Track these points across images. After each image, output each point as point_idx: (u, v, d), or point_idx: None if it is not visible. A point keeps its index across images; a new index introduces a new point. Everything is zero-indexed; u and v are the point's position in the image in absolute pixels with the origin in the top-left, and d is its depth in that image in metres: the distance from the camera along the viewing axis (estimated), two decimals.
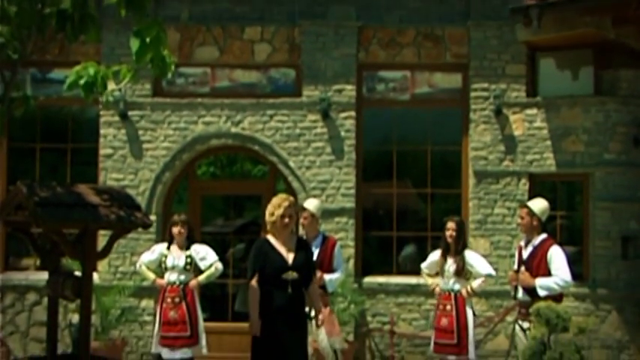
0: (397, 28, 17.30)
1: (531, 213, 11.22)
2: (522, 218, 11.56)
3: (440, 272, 13.03)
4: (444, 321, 12.77)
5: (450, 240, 12.81)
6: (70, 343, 14.65)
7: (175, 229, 13.32)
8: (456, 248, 12.71)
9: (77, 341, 12.46)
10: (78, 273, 8.68)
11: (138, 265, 14.09)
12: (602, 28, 16.65)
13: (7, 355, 15.66)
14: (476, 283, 12.57)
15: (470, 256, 12.73)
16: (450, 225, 12.92)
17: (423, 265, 13.66)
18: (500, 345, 16.06)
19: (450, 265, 12.74)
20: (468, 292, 12.60)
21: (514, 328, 12.02)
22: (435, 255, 13.31)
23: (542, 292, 10.85)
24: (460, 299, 12.55)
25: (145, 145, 16.77)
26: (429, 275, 13.45)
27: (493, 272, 12.62)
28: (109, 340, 15.75)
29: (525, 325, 11.29)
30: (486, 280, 12.56)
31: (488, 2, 17.03)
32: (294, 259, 9.97)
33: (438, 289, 13.04)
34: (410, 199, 18.06)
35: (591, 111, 17.01)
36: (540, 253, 11.26)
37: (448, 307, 12.75)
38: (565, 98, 17.16)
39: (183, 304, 12.92)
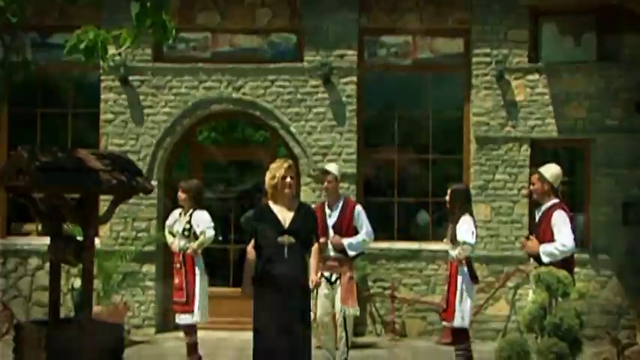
0: None
1: (542, 179, 11.07)
2: (533, 184, 11.41)
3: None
4: (444, 287, 12.93)
5: (447, 207, 12.78)
6: (73, 307, 14.70)
7: (178, 195, 13.39)
8: (452, 215, 12.56)
9: (79, 306, 12.51)
10: (79, 238, 8.72)
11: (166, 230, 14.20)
12: None
13: (10, 319, 15.90)
14: (455, 251, 12.37)
15: (459, 223, 12.38)
16: (448, 192, 12.82)
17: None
18: (500, 310, 16.10)
19: (449, 232, 12.61)
20: (457, 259, 12.42)
21: (515, 294, 12.07)
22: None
23: (545, 259, 10.78)
24: (453, 266, 12.43)
25: (145, 111, 16.77)
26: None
27: (469, 240, 12.14)
28: (110, 304, 15.78)
29: None
30: (464, 247, 12.19)
31: None
32: (292, 223, 9.68)
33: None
34: (411, 164, 17.95)
35: (594, 76, 17.06)
36: (546, 218, 11.14)
37: (447, 274, 12.87)
38: (567, 64, 17.18)
39: (183, 270, 13.01)
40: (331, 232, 12.85)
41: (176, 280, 13.24)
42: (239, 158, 18.96)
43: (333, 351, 12.69)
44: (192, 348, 12.85)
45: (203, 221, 13.28)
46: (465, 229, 12.29)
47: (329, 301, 12.80)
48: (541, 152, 16.95)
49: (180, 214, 13.70)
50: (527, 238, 11.77)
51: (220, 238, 14.84)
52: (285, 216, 9.73)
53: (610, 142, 16.77)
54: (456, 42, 17.71)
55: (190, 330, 13.12)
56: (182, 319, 13.18)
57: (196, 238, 13.34)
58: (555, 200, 11.32)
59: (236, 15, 17.19)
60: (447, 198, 12.71)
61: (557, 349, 8.25)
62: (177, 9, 16.75)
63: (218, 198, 18.79)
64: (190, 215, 13.24)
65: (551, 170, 11.46)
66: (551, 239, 11.00)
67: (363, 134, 17.27)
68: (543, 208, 11.48)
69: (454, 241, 12.34)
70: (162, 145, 16.93)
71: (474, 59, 17.12)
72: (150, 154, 16.81)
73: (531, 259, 11.67)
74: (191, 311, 13.21)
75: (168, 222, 14.00)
